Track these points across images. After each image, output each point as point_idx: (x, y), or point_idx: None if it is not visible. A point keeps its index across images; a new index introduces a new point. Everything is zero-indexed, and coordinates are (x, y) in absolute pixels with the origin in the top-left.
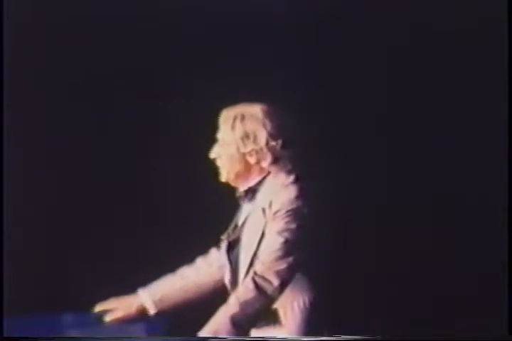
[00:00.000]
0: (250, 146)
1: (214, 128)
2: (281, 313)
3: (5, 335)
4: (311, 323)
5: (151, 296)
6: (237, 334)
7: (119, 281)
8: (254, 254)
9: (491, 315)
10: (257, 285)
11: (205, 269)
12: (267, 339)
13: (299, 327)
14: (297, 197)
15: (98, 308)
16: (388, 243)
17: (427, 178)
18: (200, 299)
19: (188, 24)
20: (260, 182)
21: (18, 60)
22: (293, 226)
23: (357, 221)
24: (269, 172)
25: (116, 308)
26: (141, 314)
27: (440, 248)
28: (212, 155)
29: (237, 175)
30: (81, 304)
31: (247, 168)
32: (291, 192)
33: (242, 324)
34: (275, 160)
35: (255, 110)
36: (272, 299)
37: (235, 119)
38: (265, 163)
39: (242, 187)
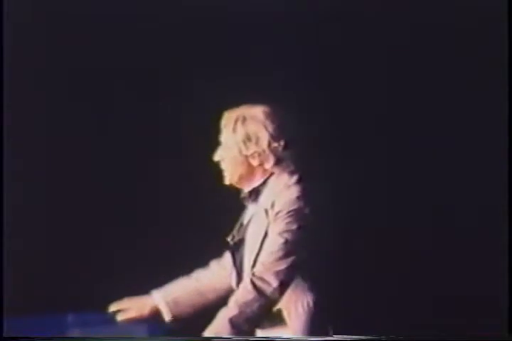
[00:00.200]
0: (253, 149)
1: (214, 128)
2: (285, 314)
3: (5, 335)
4: (316, 323)
5: (165, 298)
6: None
7: (119, 281)
8: (257, 255)
9: (491, 315)
10: (255, 287)
11: (219, 272)
12: (272, 340)
13: (304, 327)
14: (299, 198)
15: (112, 308)
16: (389, 243)
17: (427, 178)
18: (214, 302)
19: (188, 24)
20: (264, 183)
21: (18, 60)
22: (294, 226)
23: (357, 221)
24: (272, 173)
25: (129, 308)
26: (154, 315)
27: (440, 248)
28: (216, 158)
29: (241, 178)
30: (81, 304)
31: (250, 170)
32: (293, 192)
33: (241, 326)
34: (278, 162)
35: (256, 112)
36: (271, 300)
37: (236, 122)
38: (268, 165)
39: (246, 189)
